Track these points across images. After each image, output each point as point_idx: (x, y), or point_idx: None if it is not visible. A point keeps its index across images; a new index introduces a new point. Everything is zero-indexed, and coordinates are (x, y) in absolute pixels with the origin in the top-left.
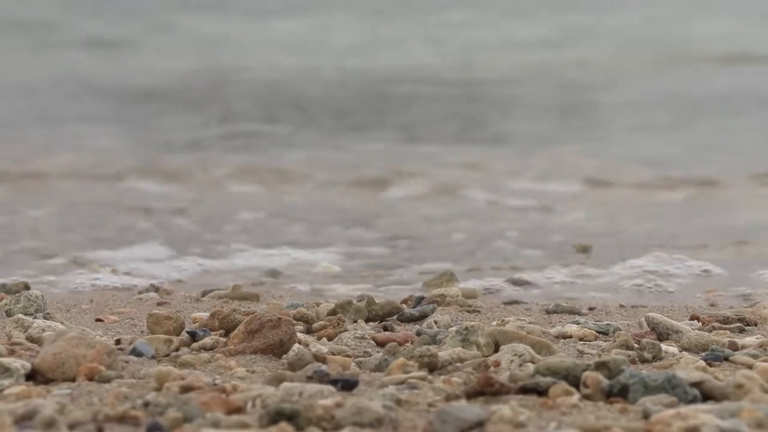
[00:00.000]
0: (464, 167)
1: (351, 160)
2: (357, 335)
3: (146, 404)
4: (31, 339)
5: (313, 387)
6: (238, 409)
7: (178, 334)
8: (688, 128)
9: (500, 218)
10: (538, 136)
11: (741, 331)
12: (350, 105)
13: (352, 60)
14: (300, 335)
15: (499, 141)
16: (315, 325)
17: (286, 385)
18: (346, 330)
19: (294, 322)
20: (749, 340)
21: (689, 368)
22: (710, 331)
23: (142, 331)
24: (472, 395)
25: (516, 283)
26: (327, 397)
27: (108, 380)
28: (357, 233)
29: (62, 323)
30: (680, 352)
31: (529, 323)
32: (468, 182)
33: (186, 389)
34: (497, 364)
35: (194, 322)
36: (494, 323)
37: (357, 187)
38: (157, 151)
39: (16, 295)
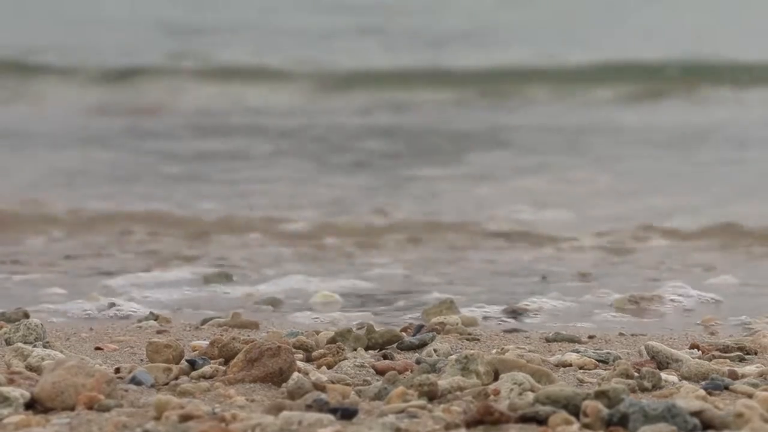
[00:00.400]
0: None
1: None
2: (356, 363)
3: None
4: (30, 368)
5: (313, 416)
6: None
7: (177, 363)
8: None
9: (498, 246)
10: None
11: (741, 359)
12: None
13: None
14: (299, 363)
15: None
16: (314, 354)
17: (285, 414)
18: (345, 358)
19: (293, 350)
20: (749, 369)
21: (689, 397)
22: (710, 360)
23: (141, 360)
24: (471, 424)
25: (515, 311)
26: (326, 426)
27: (107, 409)
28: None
29: (61, 352)
30: (680, 380)
31: (529, 351)
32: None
33: (185, 418)
34: (497, 392)
35: (194, 351)
36: (494, 351)
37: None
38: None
39: (16, 323)
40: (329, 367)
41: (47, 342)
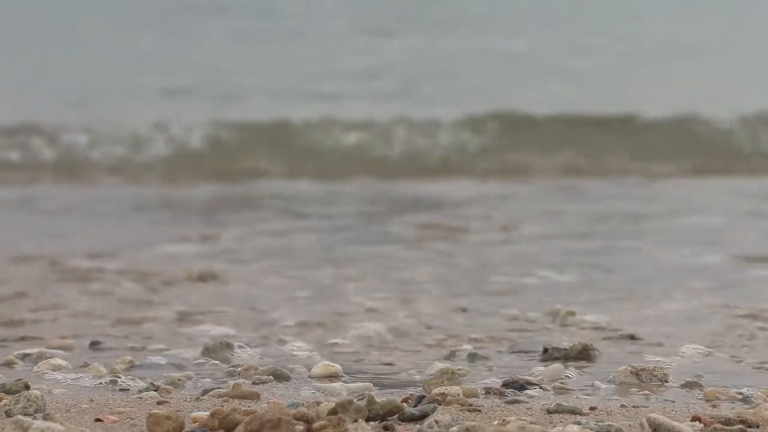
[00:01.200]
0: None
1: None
2: None
3: None
4: None
5: None
6: None
7: None
8: None
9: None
10: None
11: None
12: None
13: None
14: None
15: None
16: (315, 425)
17: None
18: (346, 429)
19: (294, 421)
20: None
21: None
22: None
23: (141, 431)
24: None
25: (516, 382)
26: None
27: None
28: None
29: (61, 424)
30: None
31: (531, 423)
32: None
33: None
34: None
35: (194, 422)
36: (495, 423)
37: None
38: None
39: (16, 395)
40: None
41: (47, 414)
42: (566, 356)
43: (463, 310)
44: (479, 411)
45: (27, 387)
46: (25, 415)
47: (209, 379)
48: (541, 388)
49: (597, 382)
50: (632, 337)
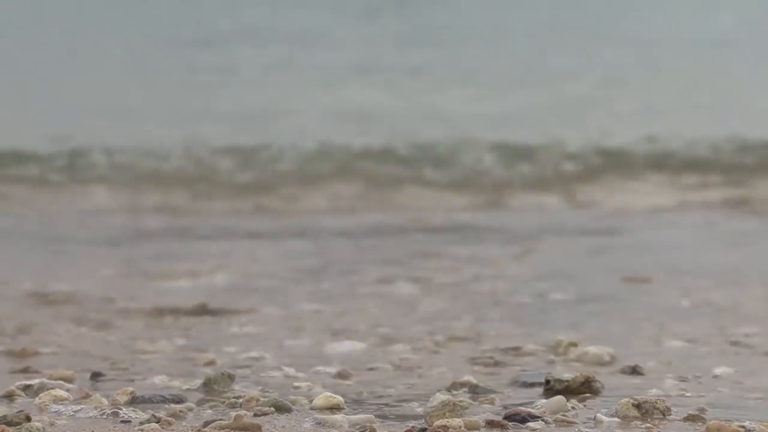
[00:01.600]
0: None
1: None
2: None
3: None
4: None
5: None
6: None
7: None
8: None
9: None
10: None
11: None
12: None
13: None
14: None
15: None
16: None
17: None
18: None
19: None
20: None
21: None
22: None
23: None
24: None
25: (518, 414)
26: None
27: None
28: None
29: None
30: None
31: None
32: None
33: None
34: None
35: None
36: None
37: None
38: None
39: (17, 426)
40: None
41: None
42: (568, 388)
43: (467, 340)
44: None
45: (28, 419)
46: None
47: (211, 411)
48: (543, 420)
49: (599, 415)
50: (635, 370)
